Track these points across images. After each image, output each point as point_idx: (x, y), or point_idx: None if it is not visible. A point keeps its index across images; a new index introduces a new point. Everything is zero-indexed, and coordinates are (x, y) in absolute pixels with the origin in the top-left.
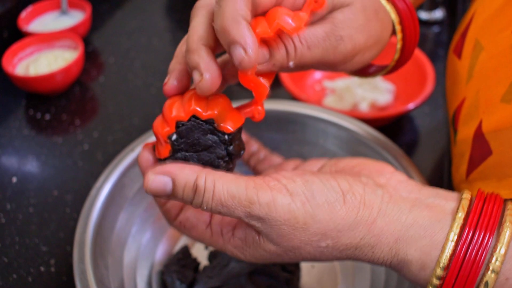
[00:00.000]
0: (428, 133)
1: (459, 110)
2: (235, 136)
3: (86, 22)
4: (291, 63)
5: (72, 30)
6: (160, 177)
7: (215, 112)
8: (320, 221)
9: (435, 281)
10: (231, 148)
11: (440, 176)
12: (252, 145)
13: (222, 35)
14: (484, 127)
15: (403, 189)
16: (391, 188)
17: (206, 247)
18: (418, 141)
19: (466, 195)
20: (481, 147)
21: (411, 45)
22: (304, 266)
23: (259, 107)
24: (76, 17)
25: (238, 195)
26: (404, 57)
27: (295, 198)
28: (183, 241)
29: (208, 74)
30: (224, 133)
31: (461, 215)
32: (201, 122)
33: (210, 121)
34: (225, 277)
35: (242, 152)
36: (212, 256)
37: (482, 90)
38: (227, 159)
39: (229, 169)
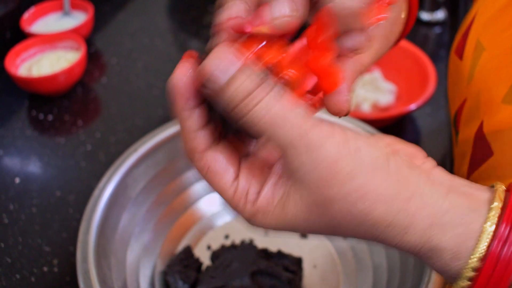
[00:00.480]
0: (430, 134)
1: (460, 111)
2: None
3: (89, 23)
4: None
5: (75, 31)
6: (227, 59)
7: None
8: (365, 177)
9: (470, 273)
10: None
11: None
12: None
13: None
14: (485, 128)
15: (437, 175)
16: (426, 171)
17: (209, 247)
18: (420, 142)
19: (499, 186)
20: (482, 148)
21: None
22: (306, 267)
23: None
24: (78, 18)
25: (295, 122)
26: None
27: (351, 143)
28: (185, 241)
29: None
30: None
31: (497, 204)
32: None
33: None
34: (227, 277)
35: None
36: (214, 256)
37: (483, 91)
38: None
39: None
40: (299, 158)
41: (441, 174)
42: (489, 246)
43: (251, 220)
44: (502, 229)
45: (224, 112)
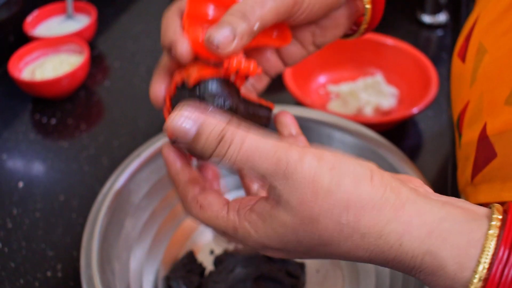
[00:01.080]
0: (432, 137)
1: (463, 113)
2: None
3: (92, 27)
4: (256, 27)
5: (78, 34)
6: (186, 118)
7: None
8: (345, 191)
9: (478, 284)
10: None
11: (444, 180)
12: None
13: (164, 49)
14: (489, 129)
15: (433, 194)
16: (418, 186)
17: (212, 252)
18: (422, 145)
19: (496, 204)
20: (485, 150)
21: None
22: (309, 271)
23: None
24: (81, 21)
25: (266, 151)
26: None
27: (323, 163)
28: (188, 246)
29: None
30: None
31: (496, 215)
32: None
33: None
34: (231, 282)
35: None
36: (217, 261)
37: (486, 93)
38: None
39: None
40: (278, 185)
41: (436, 194)
42: (494, 254)
43: (246, 236)
44: (505, 234)
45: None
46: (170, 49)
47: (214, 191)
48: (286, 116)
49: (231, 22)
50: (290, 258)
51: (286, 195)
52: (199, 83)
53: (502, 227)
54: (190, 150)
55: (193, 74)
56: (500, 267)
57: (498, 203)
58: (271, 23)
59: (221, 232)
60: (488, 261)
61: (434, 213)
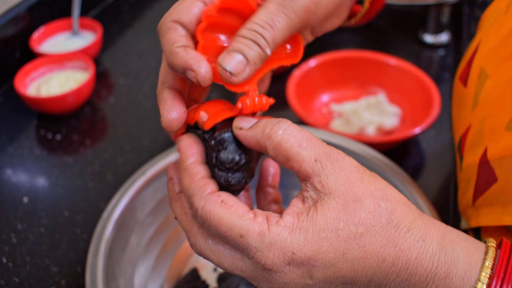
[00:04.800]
0: (434, 157)
1: (465, 137)
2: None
3: (97, 43)
4: (268, 51)
5: (83, 51)
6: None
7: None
8: (382, 183)
9: (485, 279)
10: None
11: (445, 200)
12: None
13: (173, 69)
14: (489, 154)
15: None
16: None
17: (215, 269)
18: (424, 165)
19: (489, 239)
20: (486, 174)
21: None
22: None
23: (247, 100)
24: (87, 38)
25: (321, 140)
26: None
27: (360, 165)
28: (192, 263)
29: (166, 115)
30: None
31: (491, 244)
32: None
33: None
34: None
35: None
36: (221, 279)
37: (487, 118)
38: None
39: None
40: (326, 170)
41: None
42: (495, 257)
43: (276, 241)
44: (500, 254)
45: (254, 147)
46: (185, 71)
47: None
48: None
49: (242, 49)
50: (307, 282)
51: (336, 175)
52: (214, 133)
53: (497, 248)
54: (250, 133)
55: (207, 117)
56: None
57: (499, 226)
58: (284, 41)
59: (235, 237)
60: (491, 260)
61: (443, 225)
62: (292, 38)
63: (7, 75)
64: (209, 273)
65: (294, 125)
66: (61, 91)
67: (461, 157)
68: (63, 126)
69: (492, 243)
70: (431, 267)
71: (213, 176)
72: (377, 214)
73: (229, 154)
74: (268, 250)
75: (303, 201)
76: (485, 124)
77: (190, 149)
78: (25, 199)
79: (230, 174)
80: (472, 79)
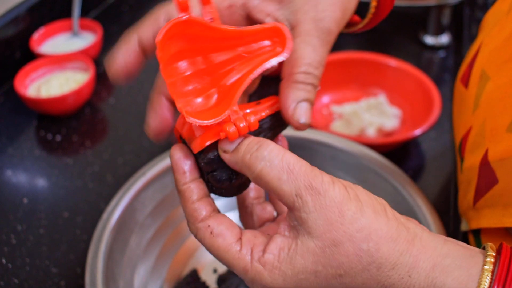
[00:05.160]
0: (435, 158)
1: (465, 139)
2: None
3: (97, 44)
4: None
5: (84, 52)
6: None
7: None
8: (368, 218)
9: None
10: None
11: (446, 202)
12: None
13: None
14: (490, 156)
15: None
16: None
17: (215, 271)
18: (425, 166)
19: (489, 244)
20: (487, 176)
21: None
22: None
23: (230, 128)
24: (87, 39)
25: (305, 167)
26: (380, 11)
27: (349, 190)
28: (192, 264)
29: (152, 124)
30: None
31: (490, 252)
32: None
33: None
34: None
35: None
36: (221, 280)
37: (488, 120)
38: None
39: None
40: (311, 200)
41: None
42: (490, 285)
43: (257, 279)
44: (500, 270)
45: (240, 171)
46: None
47: (227, 218)
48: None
49: (307, 97)
50: None
51: (316, 214)
52: (201, 153)
53: (495, 263)
54: (233, 158)
55: (195, 139)
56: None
57: (499, 228)
58: None
59: (226, 264)
60: None
61: (438, 249)
62: (269, 31)
63: (7, 76)
64: (209, 274)
65: (276, 150)
66: (61, 92)
67: (462, 159)
68: (63, 127)
69: (489, 264)
70: None
71: (209, 187)
72: (357, 257)
73: (220, 175)
74: (252, 284)
75: (290, 229)
76: (486, 125)
77: (182, 166)
78: (25, 200)
79: (223, 191)
80: (473, 80)
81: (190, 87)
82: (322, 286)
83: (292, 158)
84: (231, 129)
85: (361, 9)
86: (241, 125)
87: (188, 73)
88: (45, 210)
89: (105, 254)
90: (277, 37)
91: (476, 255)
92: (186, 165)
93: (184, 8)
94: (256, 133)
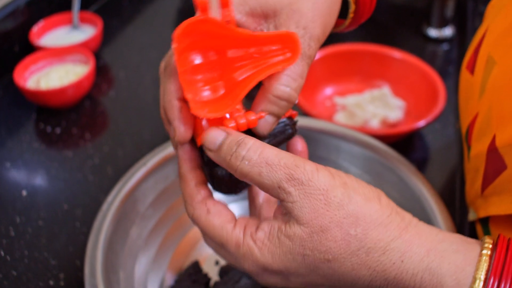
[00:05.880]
0: (439, 150)
1: (472, 126)
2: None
3: (97, 37)
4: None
5: (84, 45)
6: (217, 131)
7: None
8: (355, 205)
9: None
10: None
11: (451, 194)
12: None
13: (165, 113)
14: (498, 141)
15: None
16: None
17: (217, 262)
18: (429, 158)
19: (487, 238)
20: (495, 162)
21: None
22: None
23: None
24: (87, 32)
25: (285, 159)
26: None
27: (336, 179)
28: (194, 256)
29: (180, 127)
30: None
31: (488, 240)
32: None
33: None
34: None
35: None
36: (223, 272)
37: (494, 105)
38: None
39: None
40: (294, 190)
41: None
42: (488, 270)
43: (248, 254)
44: (499, 252)
45: (226, 168)
46: (168, 123)
47: (223, 204)
48: (297, 144)
49: (277, 113)
50: (288, 285)
51: (300, 202)
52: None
53: (493, 250)
54: (217, 157)
55: (200, 133)
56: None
57: (509, 216)
58: None
59: (219, 244)
60: (483, 277)
61: (433, 235)
62: (282, 37)
63: (6, 69)
64: (211, 266)
65: (255, 147)
66: (61, 84)
67: (469, 147)
68: (62, 120)
69: (487, 249)
70: (413, 284)
71: (210, 182)
72: (345, 242)
73: (220, 171)
74: (244, 260)
75: (282, 215)
76: (493, 111)
77: (185, 155)
78: (24, 193)
79: (223, 187)
80: (479, 66)
81: (199, 76)
82: (311, 270)
83: (270, 153)
84: (231, 124)
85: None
86: (241, 121)
87: (199, 62)
88: (44, 202)
89: (105, 245)
90: (288, 43)
91: (473, 243)
92: (190, 155)
93: (203, 8)
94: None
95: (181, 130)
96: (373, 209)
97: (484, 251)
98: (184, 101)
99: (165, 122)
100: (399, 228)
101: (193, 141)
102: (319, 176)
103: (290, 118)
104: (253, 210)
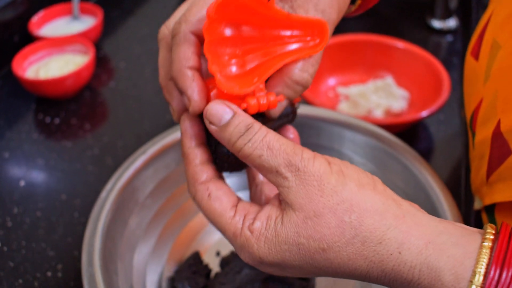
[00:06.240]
0: (444, 141)
1: (477, 112)
2: None
3: (98, 27)
4: None
5: (83, 35)
6: (223, 106)
7: None
8: (349, 192)
9: None
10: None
11: (457, 183)
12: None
13: (174, 82)
14: (503, 126)
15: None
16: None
17: (218, 253)
18: (433, 149)
19: (489, 224)
20: (500, 147)
21: None
22: None
23: (252, 100)
24: (87, 23)
25: (285, 145)
26: None
27: (332, 166)
28: (194, 247)
29: (195, 97)
30: None
31: (490, 230)
32: None
33: None
34: (238, 283)
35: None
36: (224, 263)
37: (500, 89)
38: None
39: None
40: (290, 176)
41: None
42: (488, 264)
43: (245, 245)
44: (499, 245)
45: (226, 147)
46: (181, 92)
47: (226, 185)
48: (289, 131)
49: (291, 96)
50: (285, 275)
51: (296, 188)
52: None
53: (495, 241)
54: (220, 135)
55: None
56: (493, 283)
57: None
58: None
59: (218, 229)
60: (483, 271)
61: (432, 226)
62: (314, 23)
63: (5, 60)
64: (211, 257)
65: (260, 132)
66: (60, 74)
67: (473, 134)
68: (62, 110)
69: (488, 241)
70: (411, 277)
71: (214, 159)
72: (340, 230)
73: (226, 148)
74: (241, 251)
75: (279, 202)
76: (498, 96)
77: (189, 131)
78: (22, 183)
79: (226, 164)
80: (484, 51)
81: (226, 50)
82: (307, 261)
83: (273, 138)
84: (253, 102)
85: None
86: (262, 101)
87: (229, 34)
88: (42, 193)
89: (103, 234)
90: (318, 30)
91: (474, 233)
92: (194, 131)
93: None
94: (266, 121)
95: (197, 99)
96: (367, 196)
97: (485, 243)
98: (195, 70)
99: (167, 92)
100: (395, 217)
101: (200, 116)
102: (315, 163)
103: (292, 103)
104: (254, 189)
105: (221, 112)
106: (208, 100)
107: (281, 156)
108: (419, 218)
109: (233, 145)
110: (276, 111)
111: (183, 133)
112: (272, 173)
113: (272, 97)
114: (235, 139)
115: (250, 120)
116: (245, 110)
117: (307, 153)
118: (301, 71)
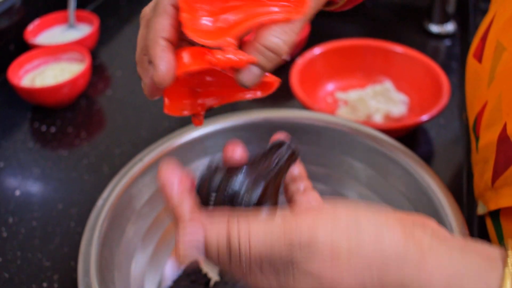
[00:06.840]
0: (444, 145)
1: (480, 115)
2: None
3: (94, 35)
4: None
5: (79, 43)
6: (189, 245)
7: None
8: (366, 249)
9: None
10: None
11: (459, 188)
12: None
13: (147, 52)
14: (509, 129)
15: (449, 236)
16: (436, 229)
17: None
18: (434, 154)
19: (510, 250)
20: (506, 151)
21: None
22: None
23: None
24: (83, 31)
25: (276, 237)
26: None
27: (337, 224)
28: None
29: (162, 66)
30: None
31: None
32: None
33: None
34: None
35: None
36: (223, 272)
37: (505, 92)
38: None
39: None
40: (299, 255)
41: (453, 236)
42: None
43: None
44: None
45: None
46: (149, 61)
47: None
48: (294, 169)
49: (265, 65)
50: None
51: (306, 263)
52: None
53: None
54: (212, 261)
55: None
56: None
57: None
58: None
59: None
60: None
61: (453, 265)
62: None
63: (1, 68)
64: (210, 266)
65: (243, 238)
66: (56, 83)
67: (477, 138)
68: (57, 119)
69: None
70: None
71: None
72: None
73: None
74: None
75: None
76: (503, 98)
77: (171, 177)
78: (17, 192)
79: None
80: (487, 53)
81: (201, 5)
82: None
83: (259, 238)
84: (218, 56)
85: None
86: (228, 55)
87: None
88: (38, 202)
89: (100, 242)
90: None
91: (495, 258)
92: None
93: None
94: (271, 168)
95: (162, 70)
96: (385, 245)
97: (507, 269)
98: (169, 42)
99: (140, 66)
100: (417, 263)
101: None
102: (318, 236)
103: (289, 145)
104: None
105: (190, 240)
106: (178, 68)
107: (279, 254)
108: (441, 255)
109: (231, 268)
110: (246, 79)
111: (163, 184)
112: (277, 262)
113: (242, 56)
114: (227, 267)
115: (223, 233)
116: (212, 64)
117: (304, 227)
118: (274, 36)
